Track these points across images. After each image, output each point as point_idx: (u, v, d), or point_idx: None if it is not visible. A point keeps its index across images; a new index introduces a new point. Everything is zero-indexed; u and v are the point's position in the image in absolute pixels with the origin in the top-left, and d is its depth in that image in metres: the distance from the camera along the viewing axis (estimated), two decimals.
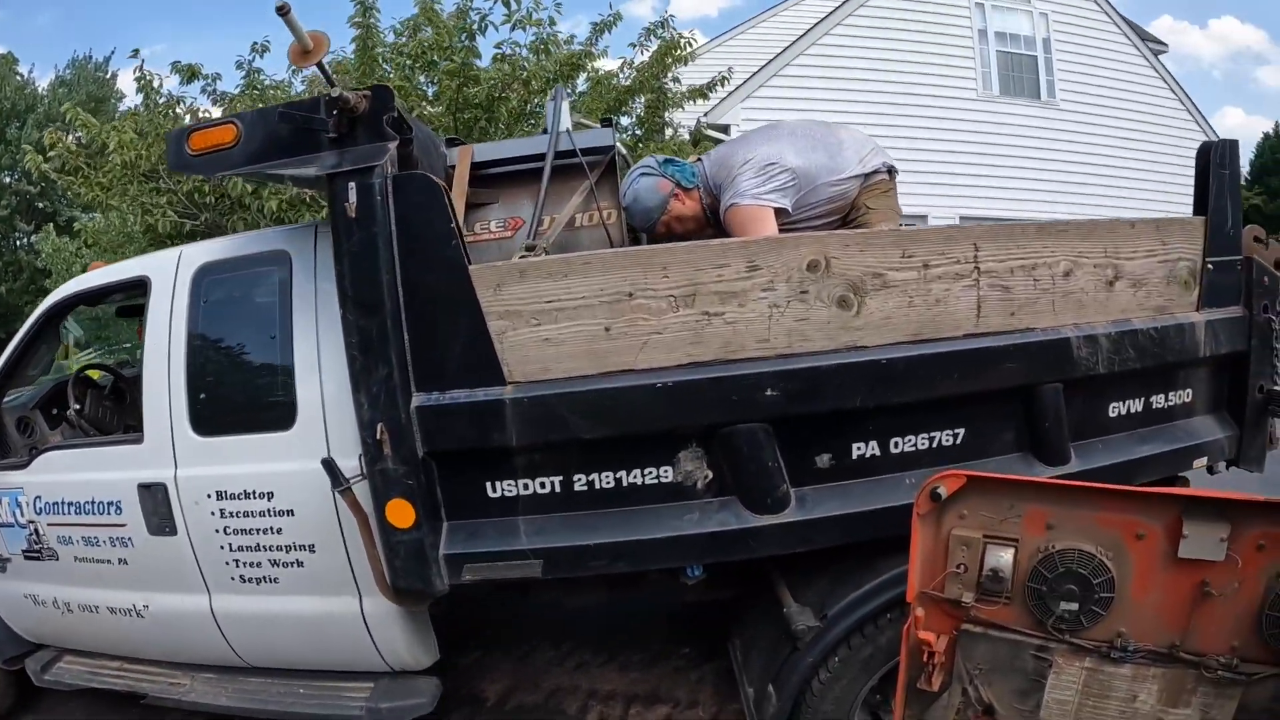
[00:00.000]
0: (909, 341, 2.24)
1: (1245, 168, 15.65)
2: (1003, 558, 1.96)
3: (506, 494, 2.19)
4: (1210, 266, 2.59)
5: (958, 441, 2.37)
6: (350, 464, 2.29)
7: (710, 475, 2.20)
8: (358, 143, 2.15)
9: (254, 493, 2.49)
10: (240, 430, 2.60)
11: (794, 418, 2.16)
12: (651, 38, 7.39)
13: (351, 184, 2.11)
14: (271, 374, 2.58)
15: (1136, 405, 2.60)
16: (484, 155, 3.05)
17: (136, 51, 6.45)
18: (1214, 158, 2.58)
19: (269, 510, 2.48)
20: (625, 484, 2.17)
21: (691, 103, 8.00)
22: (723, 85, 8.05)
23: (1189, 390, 2.68)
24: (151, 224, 6.11)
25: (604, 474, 2.17)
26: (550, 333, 2.07)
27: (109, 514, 2.72)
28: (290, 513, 2.47)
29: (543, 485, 2.18)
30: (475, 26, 6.70)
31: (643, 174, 2.86)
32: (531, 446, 2.13)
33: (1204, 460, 2.71)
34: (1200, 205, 2.61)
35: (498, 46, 6.96)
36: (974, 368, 2.28)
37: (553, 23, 6.97)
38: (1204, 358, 2.62)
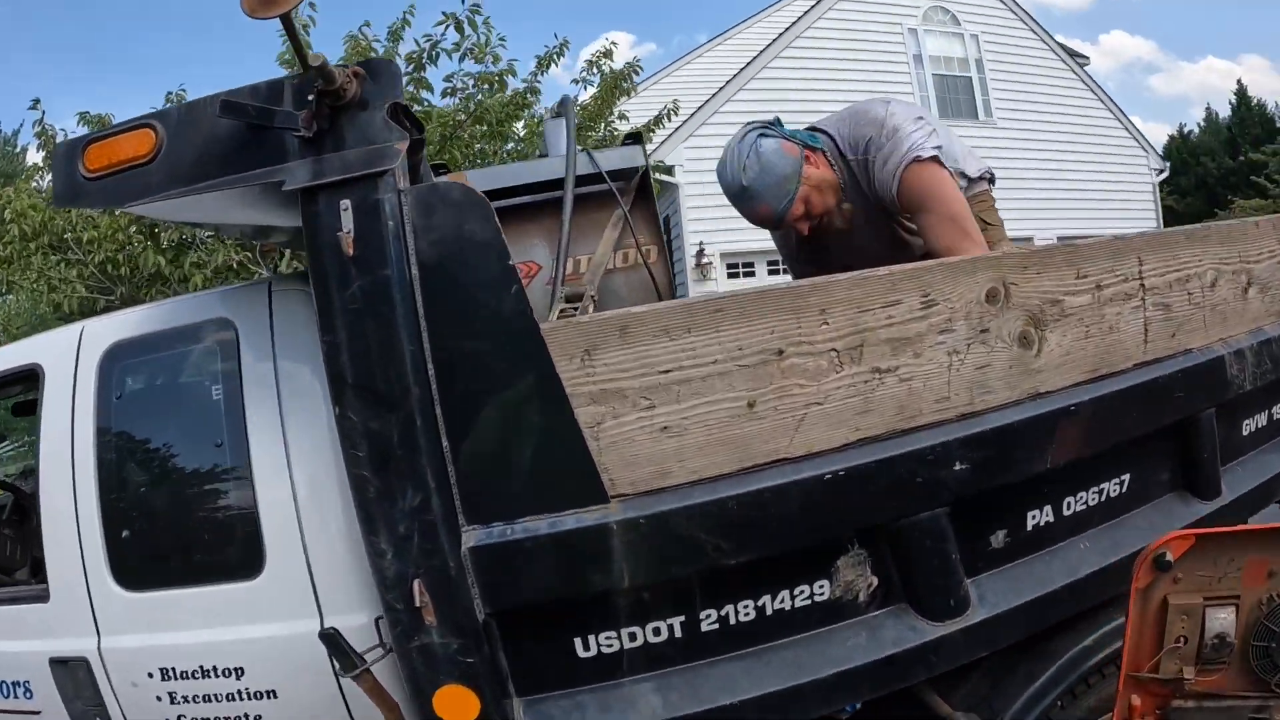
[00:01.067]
0: (1088, 381, 1.79)
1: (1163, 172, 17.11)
2: (1226, 620, 1.68)
3: (605, 649, 1.51)
4: None
5: (1124, 490, 1.95)
6: (357, 623, 1.55)
7: (875, 582, 1.62)
8: (346, 143, 1.40)
9: (215, 670, 1.67)
10: (184, 581, 1.76)
11: (978, 493, 1.63)
12: (594, 70, 6.81)
13: (344, 204, 1.37)
14: (221, 496, 1.77)
15: (1263, 419, 2.32)
16: (481, 184, 2.33)
17: (36, 102, 5.43)
18: None
19: (240, 693, 1.67)
20: (770, 611, 1.56)
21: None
22: (669, 119, 7.61)
23: None
24: (59, 302, 5.16)
25: (742, 604, 1.54)
26: (670, 417, 1.42)
27: (16, 698, 1.85)
28: (272, 694, 1.67)
29: (657, 631, 1.52)
30: (424, 55, 5.82)
31: (760, 134, 2.17)
32: (647, 584, 1.47)
33: None
34: None
35: (448, 80, 6.22)
36: (1147, 402, 1.88)
37: (496, 59, 6.19)
38: None
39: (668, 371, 1.41)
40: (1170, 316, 1.95)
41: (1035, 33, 15.01)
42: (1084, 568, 1.81)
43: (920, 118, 2.22)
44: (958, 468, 1.55)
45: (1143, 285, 1.87)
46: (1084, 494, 1.87)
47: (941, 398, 1.57)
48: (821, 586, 1.57)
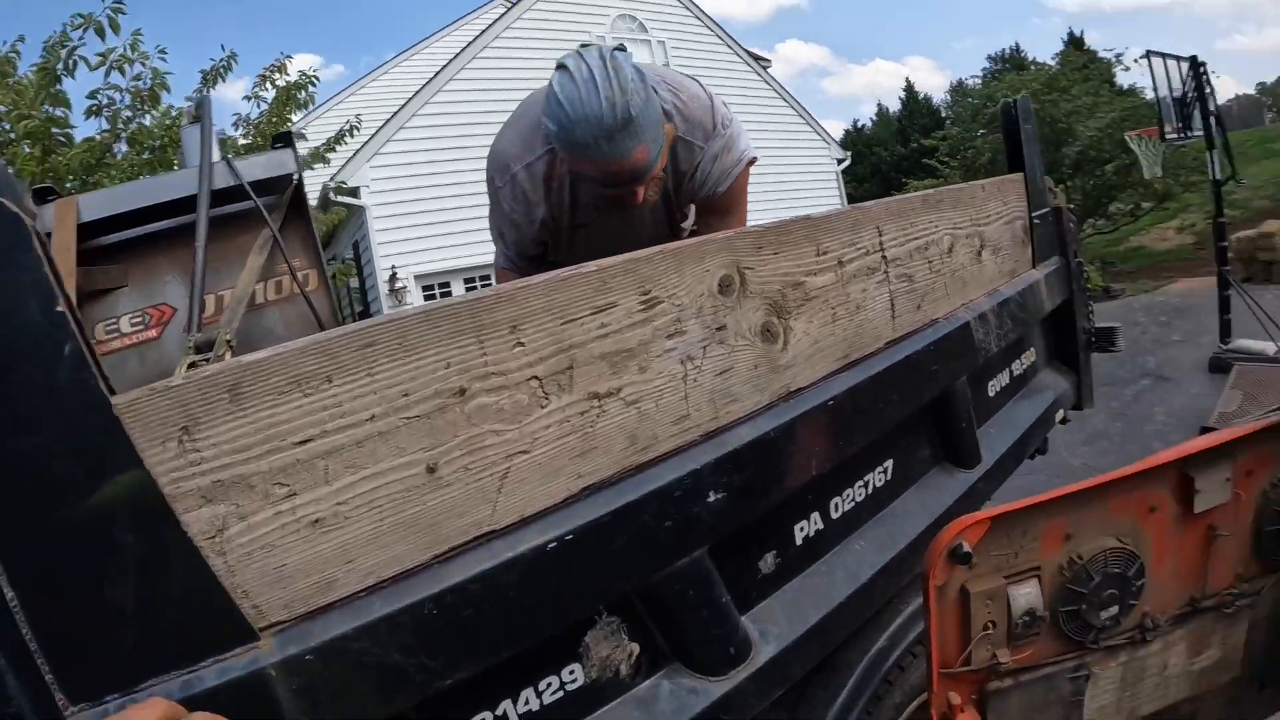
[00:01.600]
0: (842, 369, 1.64)
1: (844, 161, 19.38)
2: (1031, 594, 1.62)
3: None
4: (1036, 221, 2.42)
5: (889, 476, 1.85)
6: None
7: (636, 649, 1.33)
8: None
9: None
10: None
11: (740, 521, 1.40)
12: (268, 84, 6.08)
13: None
14: None
15: (1005, 378, 2.36)
16: (97, 210, 1.82)
17: None
18: (1019, 114, 2.45)
19: None
20: None
21: (317, 166, 6.91)
22: (351, 135, 7.05)
23: (1033, 349, 2.52)
24: None
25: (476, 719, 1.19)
26: (321, 505, 1.02)
27: None
28: None
29: None
30: (61, 67, 4.75)
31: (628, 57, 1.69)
32: None
33: (1061, 413, 2.58)
34: (1015, 162, 2.44)
35: (92, 96, 5.13)
36: (905, 381, 1.77)
37: (156, 74, 5.22)
38: (1047, 313, 2.47)
39: (306, 441, 1.01)
40: (914, 288, 1.86)
41: (721, 38, 16.34)
42: (865, 570, 1.66)
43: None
44: (712, 498, 1.30)
45: (884, 257, 1.75)
46: (850, 491, 1.73)
47: (680, 417, 1.31)
48: (572, 672, 1.26)
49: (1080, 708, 1.80)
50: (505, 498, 1.09)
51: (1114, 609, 1.71)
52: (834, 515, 1.69)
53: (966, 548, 1.56)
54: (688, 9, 15.32)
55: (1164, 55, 8.19)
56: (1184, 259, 16.37)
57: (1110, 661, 1.78)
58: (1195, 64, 7.90)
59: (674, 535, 1.25)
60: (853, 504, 1.74)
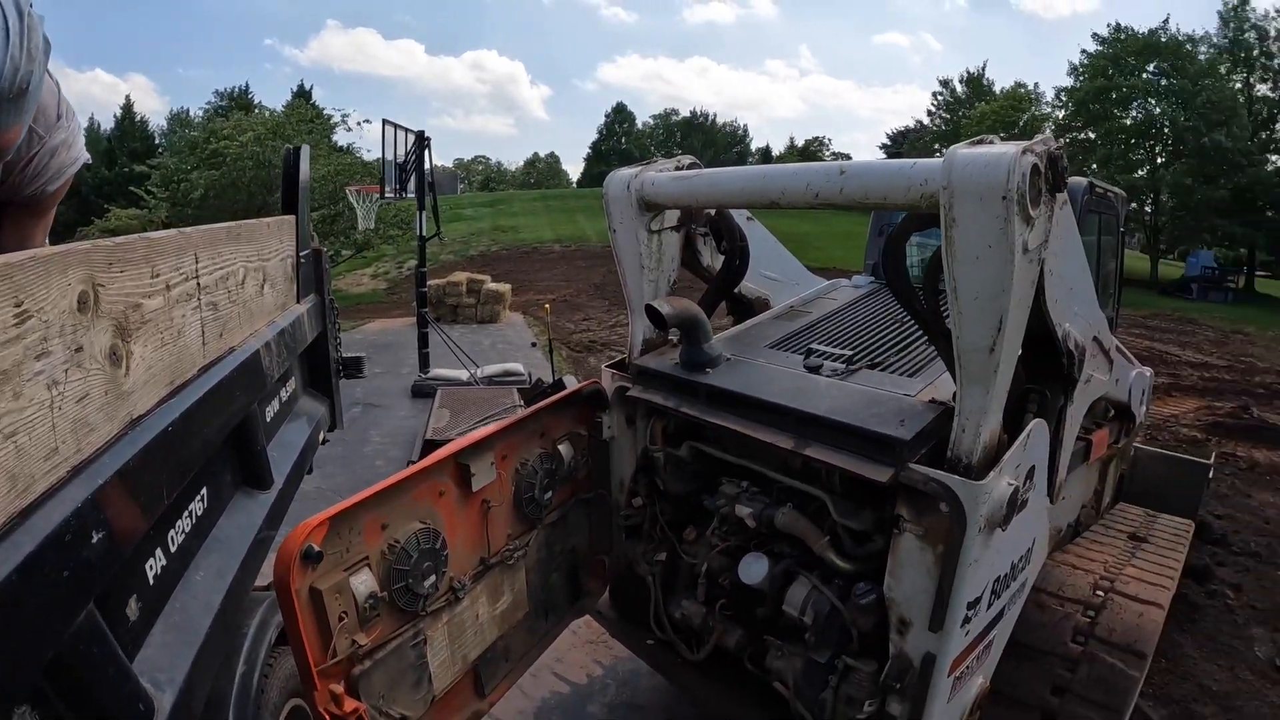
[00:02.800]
0: (170, 395, 1.65)
1: None
2: (368, 580, 2.00)
3: None
4: (301, 260, 2.76)
5: (206, 505, 1.91)
6: None
7: None
8: None
9: None
10: None
11: (116, 562, 1.27)
12: None
13: None
14: None
15: (277, 403, 2.62)
16: None
17: None
18: (298, 160, 2.73)
19: None
20: None
21: None
22: None
23: (294, 376, 2.84)
24: None
25: None
26: None
27: None
28: None
29: None
30: None
31: None
32: None
33: (323, 435, 2.96)
34: (289, 205, 2.72)
35: None
36: (217, 407, 1.86)
37: None
38: (307, 344, 2.82)
39: None
40: (219, 316, 1.95)
41: None
42: (216, 596, 1.68)
43: None
44: (95, 539, 1.17)
45: (199, 284, 1.79)
46: (180, 522, 1.71)
47: (51, 451, 1.13)
48: None
49: (426, 668, 2.25)
50: None
51: (432, 578, 2.21)
52: (173, 549, 1.64)
53: (316, 547, 1.79)
54: None
55: (396, 125, 9.45)
56: (378, 302, 18.93)
57: (438, 624, 2.28)
58: (421, 137, 9.41)
59: (73, 585, 1.09)
60: (185, 535, 1.72)
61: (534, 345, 12.08)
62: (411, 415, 8.35)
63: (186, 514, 1.75)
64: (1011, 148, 1.64)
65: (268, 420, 2.46)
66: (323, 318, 2.99)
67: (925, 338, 2.63)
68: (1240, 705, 3.86)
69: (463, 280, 15.13)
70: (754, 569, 2.38)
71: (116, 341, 1.38)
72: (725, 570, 2.57)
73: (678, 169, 2.66)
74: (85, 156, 1.83)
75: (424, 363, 9.82)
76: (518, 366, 9.54)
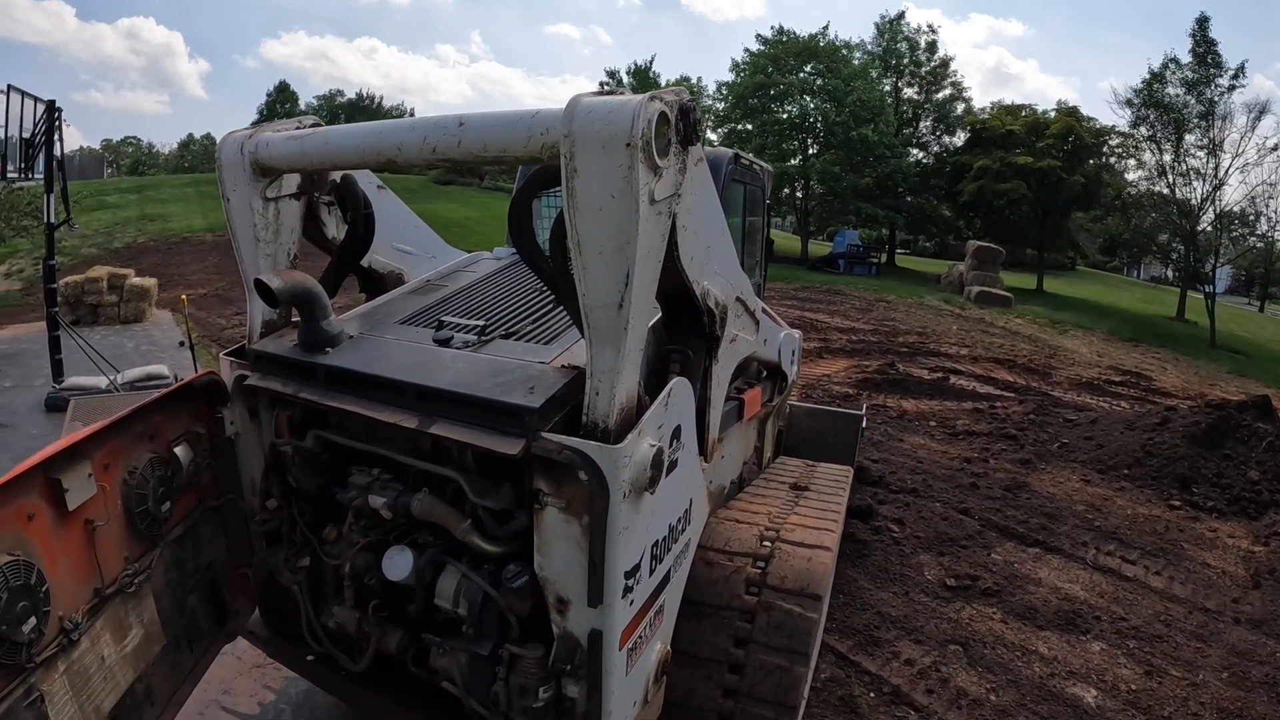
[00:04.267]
0: None
1: None
2: None
3: None
4: None
5: None
6: None
7: None
8: None
9: None
10: None
11: None
12: None
13: None
14: None
15: None
16: None
17: None
18: None
19: None
20: None
21: None
22: None
23: None
24: None
25: None
26: None
27: None
28: None
29: None
30: None
31: None
32: None
33: None
34: None
35: None
36: None
37: None
38: None
39: None
40: None
41: None
42: None
43: None
44: None
45: None
46: None
47: None
48: None
49: None
50: None
51: (31, 620, 1.78)
52: None
53: None
54: None
55: (23, 93, 7.58)
56: (13, 305, 15.28)
57: (53, 674, 1.87)
58: (51, 108, 7.61)
59: None
60: None
61: (182, 345, 10.89)
62: (46, 434, 7.11)
63: None
64: (638, 96, 1.62)
65: None
66: None
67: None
68: (920, 625, 4.41)
69: (103, 276, 13.14)
70: (398, 563, 2.22)
71: None
72: (370, 568, 2.39)
73: (298, 129, 2.39)
74: None
75: (58, 371, 8.40)
76: (162, 369, 8.62)
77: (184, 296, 10.49)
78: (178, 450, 2.39)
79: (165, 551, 2.38)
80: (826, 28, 34.29)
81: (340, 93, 65.56)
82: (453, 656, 2.25)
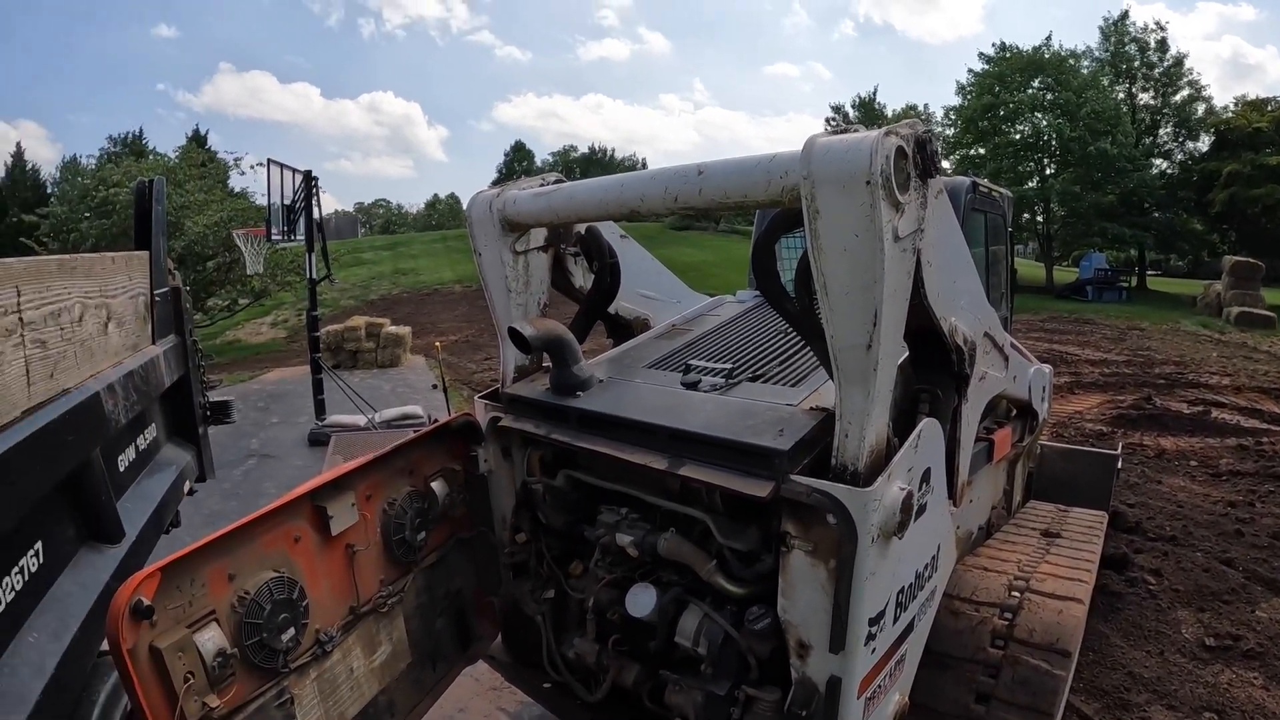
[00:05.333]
0: None
1: None
2: (216, 636, 1.85)
3: None
4: (157, 298, 2.64)
5: (42, 560, 1.79)
6: None
7: None
8: None
9: None
10: None
11: None
12: None
13: None
14: None
15: (133, 452, 2.49)
16: None
17: None
18: (153, 195, 2.63)
19: None
20: None
21: None
22: None
23: (154, 424, 2.70)
24: None
25: None
26: None
27: None
28: None
29: None
30: None
31: None
32: None
33: (188, 485, 2.82)
34: (142, 240, 2.60)
35: None
36: (45, 452, 1.76)
37: None
38: (166, 388, 2.69)
39: None
40: (48, 354, 1.83)
41: None
42: (50, 660, 1.56)
43: None
44: None
45: (22, 319, 1.69)
46: (7, 580, 1.60)
47: None
48: None
49: None
50: None
51: (290, 631, 2.05)
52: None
53: (146, 601, 1.64)
54: None
55: (282, 165, 9.21)
56: (277, 351, 18.37)
57: (305, 680, 2.12)
58: (308, 177, 9.22)
59: None
60: (14, 593, 1.60)
61: (435, 387, 11.96)
62: (308, 465, 8.15)
63: (17, 570, 1.63)
64: (874, 132, 1.60)
65: (120, 469, 2.33)
66: (185, 360, 2.86)
67: (809, 347, 2.55)
68: (1174, 689, 3.96)
69: (361, 325, 15.00)
70: (641, 600, 2.29)
71: None
72: (614, 604, 2.47)
73: (542, 185, 2.59)
74: None
75: (320, 410, 9.64)
76: (417, 409, 9.45)
77: (438, 344, 11.73)
78: (434, 485, 2.65)
79: (418, 577, 2.64)
80: (1049, 38, 31.72)
81: (573, 148, 70.66)
82: (688, 694, 2.29)
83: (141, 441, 2.53)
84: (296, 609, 2.07)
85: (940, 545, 2.31)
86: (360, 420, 9.05)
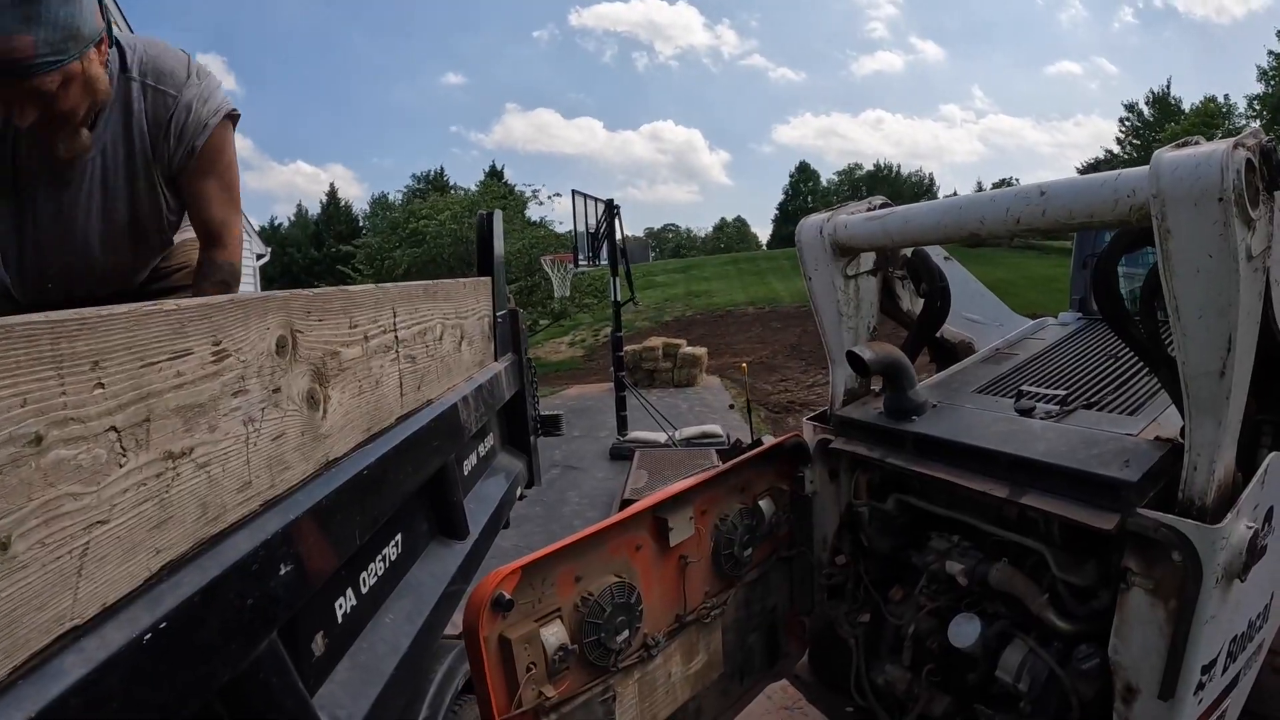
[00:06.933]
0: (367, 441, 1.81)
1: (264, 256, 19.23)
2: (559, 633, 2.04)
3: None
4: (499, 319, 2.99)
5: (400, 550, 2.05)
6: None
7: None
8: None
9: None
10: None
11: (303, 596, 1.41)
12: None
13: None
14: None
15: (474, 458, 2.80)
16: None
17: None
18: (491, 225, 3.00)
19: None
20: None
21: None
22: None
23: (493, 433, 3.04)
24: None
25: None
26: None
27: None
28: None
29: None
30: None
31: None
32: None
33: (520, 490, 3.14)
34: (484, 267, 2.98)
35: None
36: (414, 456, 2.02)
37: None
38: (505, 401, 3.02)
39: None
40: (416, 368, 2.14)
41: None
42: (404, 640, 1.79)
43: None
44: (283, 571, 1.31)
45: (397, 337, 1.99)
46: (374, 565, 1.86)
47: (244, 484, 1.29)
48: None
49: None
50: (86, 581, 0.93)
51: (625, 633, 2.23)
52: (364, 590, 1.78)
53: (507, 595, 1.88)
54: None
55: (585, 195, 10.45)
56: (575, 369, 20.49)
57: (629, 680, 2.30)
58: (610, 205, 10.35)
59: (256, 614, 1.21)
60: (377, 578, 1.87)
61: (731, 407, 12.16)
62: (610, 477, 8.67)
63: (380, 558, 1.90)
64: (1221, 144, 1.54)
65: (465, 473, 2.65)
66: (520, 376, 3.20)
67: (1143, 372, 2.64)
68: None
69: (658, 345, 15.78)
70: (966, 631, 2.24)
71: (314, 386, 1.55)
72: (934, 632, 2.45)
73: (870, 209, 2.62)
74: (227, 106, 2.09)
75: (621, 425, 10.20)
76: (716, 428, 9.70)
77: (744, 365, 12.04)
78: (762, 503, 2.73)
79: (739, 591, 2.73)
80: None
81: (858, 165, 69.67)
82: None
83: (482, 449, 2.85)
84: (633, 613, 2.23)
85: (1274, 594, 2.11)
86: (660, 437, 9.50)
